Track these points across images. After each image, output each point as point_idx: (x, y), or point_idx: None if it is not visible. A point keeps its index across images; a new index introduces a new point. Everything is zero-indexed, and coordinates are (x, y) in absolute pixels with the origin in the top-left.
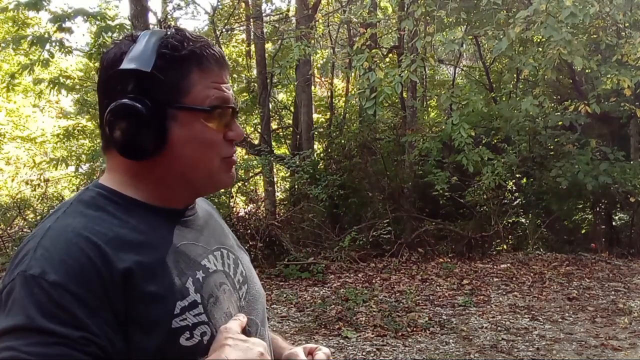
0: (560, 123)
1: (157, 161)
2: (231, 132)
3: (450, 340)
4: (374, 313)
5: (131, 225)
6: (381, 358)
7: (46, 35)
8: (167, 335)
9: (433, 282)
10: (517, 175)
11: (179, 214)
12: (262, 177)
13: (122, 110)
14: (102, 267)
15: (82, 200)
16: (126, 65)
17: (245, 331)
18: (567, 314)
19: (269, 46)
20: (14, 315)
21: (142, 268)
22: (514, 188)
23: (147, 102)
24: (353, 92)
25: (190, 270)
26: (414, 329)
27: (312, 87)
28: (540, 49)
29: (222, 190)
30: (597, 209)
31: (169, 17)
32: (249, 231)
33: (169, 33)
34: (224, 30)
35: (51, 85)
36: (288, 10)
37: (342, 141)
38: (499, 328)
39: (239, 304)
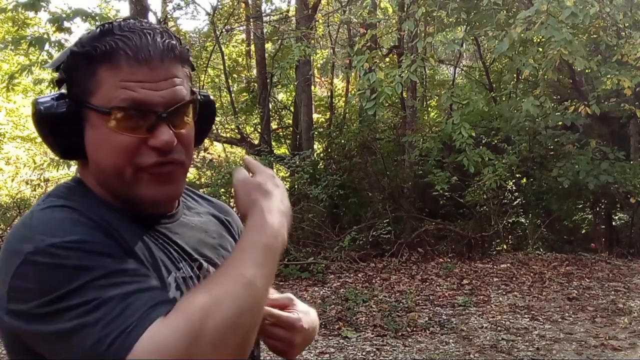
0: (560, 123)
1: (89, 164)
2: (153, 139)
3: (450, 340)
4: (374, 313)
5: (105, 221)
6: (381, 358)
7: (45, 36)
8: None
9: (433, 282)
10: (517, 175)
11: (153, 220)
12: None
13: (36, 107)
14: (100, 225)
15: (59, 189)
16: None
17: None
18: (567, 314)
19: (269, 46)
20: (61, 282)
21: (129, 251)
22: (514, 188)
23: (64, 102)
24: (353, 92)
25: (170, 268)
26: (414, 329)
27: (312, 87)
28: (541, 50)
29: (222, 190)
30: (597, 209)
31: (169, 17)
32: None
33: (96, 28)
34: (224, 30)
35: (51, 85)
36: (288, 11)
37: (342, 141)
38: (499, 328)
39: None
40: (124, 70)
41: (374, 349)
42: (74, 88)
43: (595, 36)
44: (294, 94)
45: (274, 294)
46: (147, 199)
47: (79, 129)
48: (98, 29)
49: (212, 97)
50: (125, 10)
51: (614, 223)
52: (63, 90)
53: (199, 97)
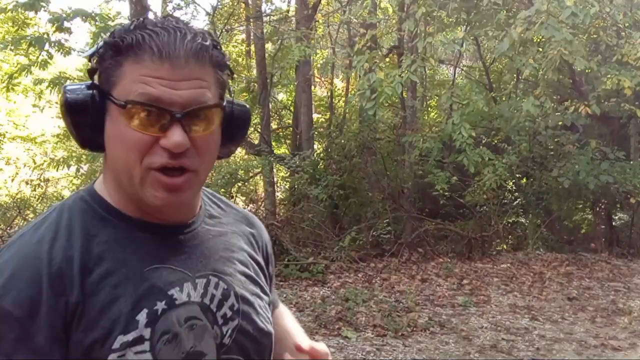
0: (560, 123)
1: (107, 158)
2: (164, 138)
3: (450, 340)
4: (374, 313)
5: (98, 242)
6: (381, 358)
7: (45, 36)
8: None
9: (433, 282)
10: (517, 175)
11: (166, 230)
12: (262, 177)
13: (63, 94)
14: (51, 295)
15: (64, 207)
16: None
17: None
18: (567, 314)
19: (269, 46)
20: None
21: (95, 294)
22: (514, 188)
23: (90, 91)
24: (353, 92)
25: (149, 300)
26: (414, 329)
27: (312, 87)
28: (541, 50)
29: (222, 190)
30: (597, 209)
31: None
32: None
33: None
34: (224, 30)
35: (52, 86)
36: (288, 11)
37: (342, 141)
38: (499, 328)
39: (220, 341)
40: (146, 65)
41: (374, 349)
42: (101, 78)
43: (595, 36)
44: (294, 94)
45: (316, 345)
46: (150, 203)
47: (101, 121)
48: (133, 22)
49: (248, 108)
50: (125, 10)
51: (614, 223)
52: (95, 81)
53: (226, 105)
